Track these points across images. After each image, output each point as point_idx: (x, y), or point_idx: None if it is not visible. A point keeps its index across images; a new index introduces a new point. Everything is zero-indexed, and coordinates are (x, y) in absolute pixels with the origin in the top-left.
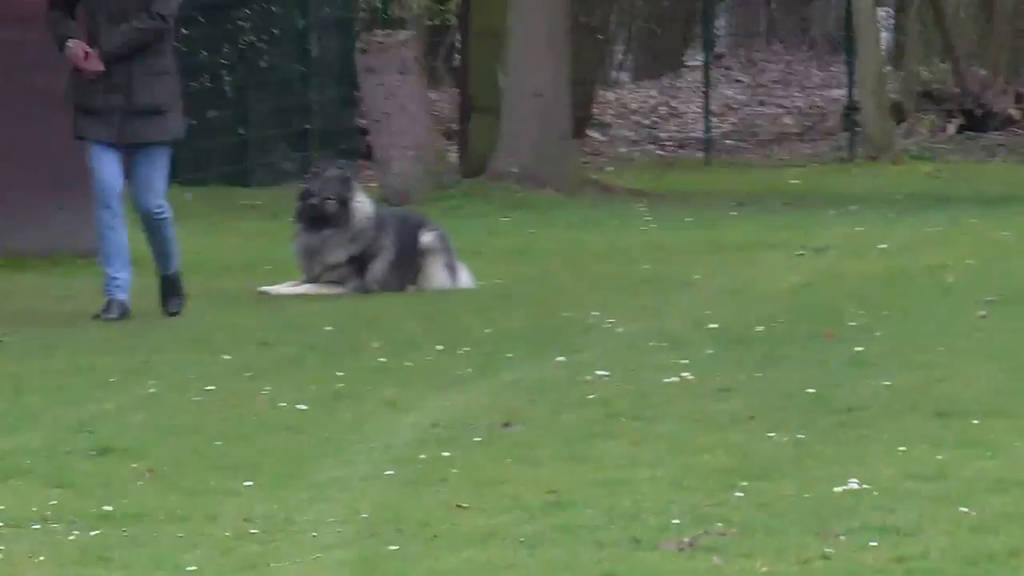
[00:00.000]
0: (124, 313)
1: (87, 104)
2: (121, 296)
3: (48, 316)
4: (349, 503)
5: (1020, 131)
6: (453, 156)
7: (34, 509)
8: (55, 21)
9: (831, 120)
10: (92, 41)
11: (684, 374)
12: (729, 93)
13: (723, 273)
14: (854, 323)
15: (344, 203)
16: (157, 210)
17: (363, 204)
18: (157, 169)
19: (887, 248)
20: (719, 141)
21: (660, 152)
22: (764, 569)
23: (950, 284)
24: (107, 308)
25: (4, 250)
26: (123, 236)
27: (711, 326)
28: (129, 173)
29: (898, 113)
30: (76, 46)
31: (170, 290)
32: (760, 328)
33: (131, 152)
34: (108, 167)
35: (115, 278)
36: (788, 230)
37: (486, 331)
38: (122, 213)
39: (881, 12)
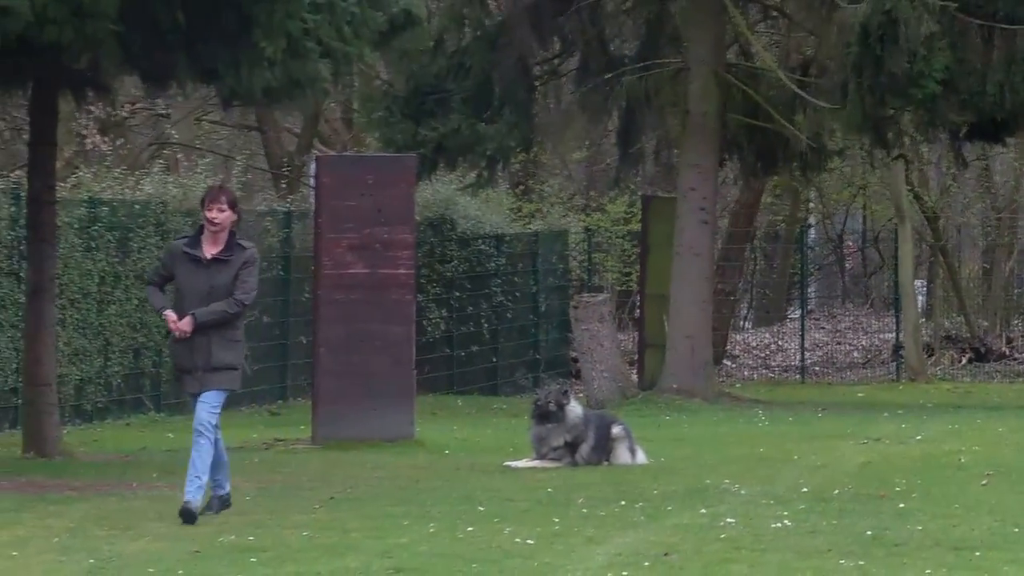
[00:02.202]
0: (224, 504)
1: (180, 364)
2: (221, 492)
3: (365, 481)
4: None
5: (1010, 362)
6: (634, 377)
7: None
8: (152, 293)
9: (884, 354)
10: (180, 308)
11: (785, 522)
12: (817, 336)
13: (812, 454)
14: (899, 488)
15: (562, 407)
16: (204, 424)
17: (575, 407)
18: (217, 399)
19: (921, 439)
20: (811, 367)
21: (771, 375)
22: None
23: (963, 463)
24: (209, 504)
25: (337, 436)
26: (221, 453)
27: (804, 490)
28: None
29: (929, 350)
30: (171, 314)
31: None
32: (836, 491)
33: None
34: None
35: (216, 479)
36: (856, 426)
37: (654, 492)
38: (213, 438)
39: (917, 283)
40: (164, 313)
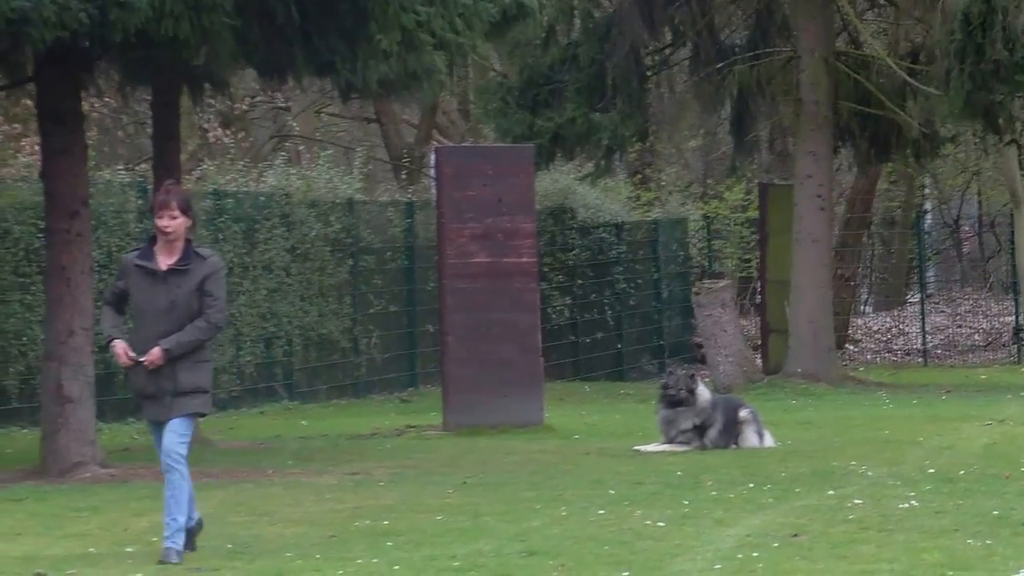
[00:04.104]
0: (192, 536)
1: (141, 389)
2: (190, 523)
3: (497, 466)
4: None
5: None
6: (758, 362)
7: None
8: (105, 315)
9: (1005, 337)
10: (139, 329)
11: (912, 502)
12: (937, 319)
13: (937, 436)
14: None
15: (690, 391)
16: (175, 455)
17: (702, 391)
18: (186, 427)
19: None
20: (932, 351)
21: (893, 358)
22: None
23: None
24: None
25: (468, 423)
26: (188, 485)
27: (930, 471)
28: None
29: None
30: (118, 346)
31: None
32: (962, 472)
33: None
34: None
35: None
36: (979, 408)
37: (782, 474)
38: (186, 471)
39: None
40: (112, 345)
